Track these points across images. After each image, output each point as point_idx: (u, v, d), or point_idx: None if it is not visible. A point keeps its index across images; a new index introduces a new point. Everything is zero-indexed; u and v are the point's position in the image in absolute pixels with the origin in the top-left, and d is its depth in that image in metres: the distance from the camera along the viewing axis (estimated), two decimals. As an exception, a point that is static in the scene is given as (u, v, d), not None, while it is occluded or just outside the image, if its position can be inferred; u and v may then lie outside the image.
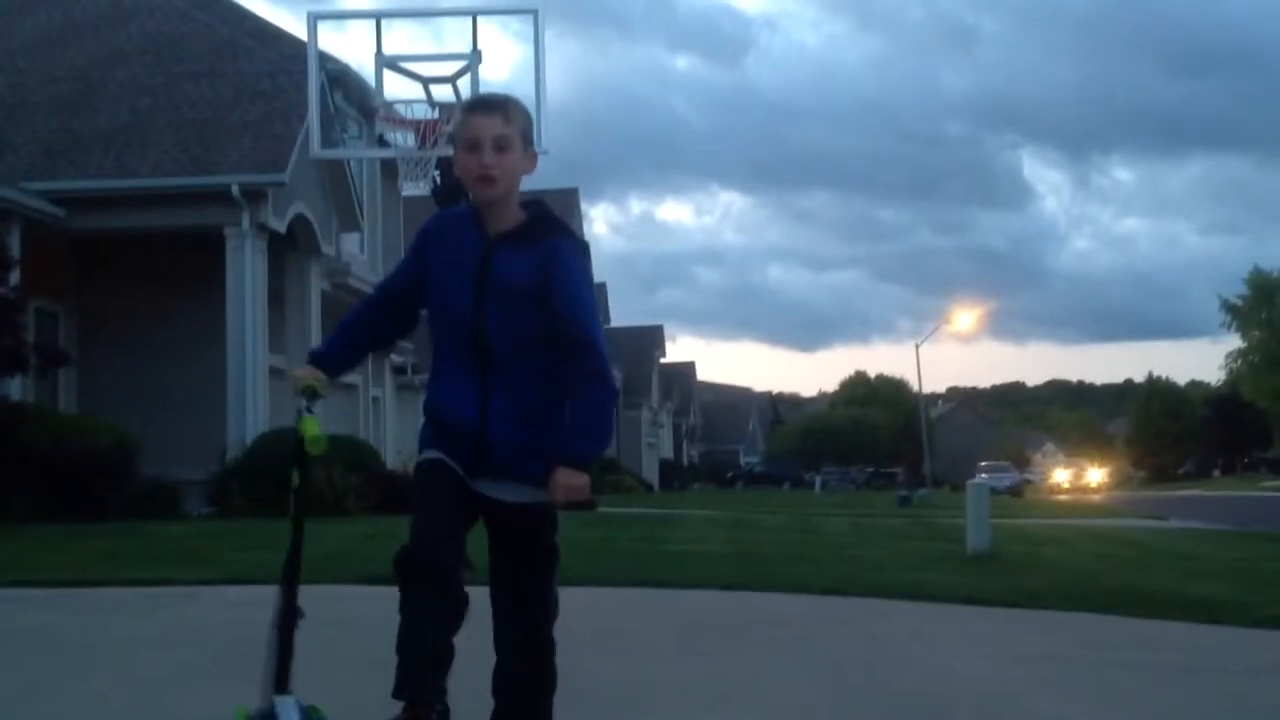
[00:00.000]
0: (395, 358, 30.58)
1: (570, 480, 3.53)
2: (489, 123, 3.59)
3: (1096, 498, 52.64)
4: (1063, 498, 52.29)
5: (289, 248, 19.97)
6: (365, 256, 24.74)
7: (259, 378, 18.43)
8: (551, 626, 3.71)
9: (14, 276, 15.47)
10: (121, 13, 22.16)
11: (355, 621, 7.26)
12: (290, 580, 3.68)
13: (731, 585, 9.48)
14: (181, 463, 17.55)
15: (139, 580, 9.04)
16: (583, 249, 3.68)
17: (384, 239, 26.10)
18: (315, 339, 20.63)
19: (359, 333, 3.92)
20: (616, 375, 57.87)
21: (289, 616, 3.64)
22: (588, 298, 3.63)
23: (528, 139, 3.66)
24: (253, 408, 18.20)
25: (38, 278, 16.83)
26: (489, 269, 3.58)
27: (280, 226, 18.89)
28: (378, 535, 13.54)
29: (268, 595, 8.57)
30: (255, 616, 7.68)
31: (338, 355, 3.88)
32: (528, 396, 3.60)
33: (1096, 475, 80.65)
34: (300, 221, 19.74)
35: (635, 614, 8.14)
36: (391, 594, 3.48)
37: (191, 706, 4.78)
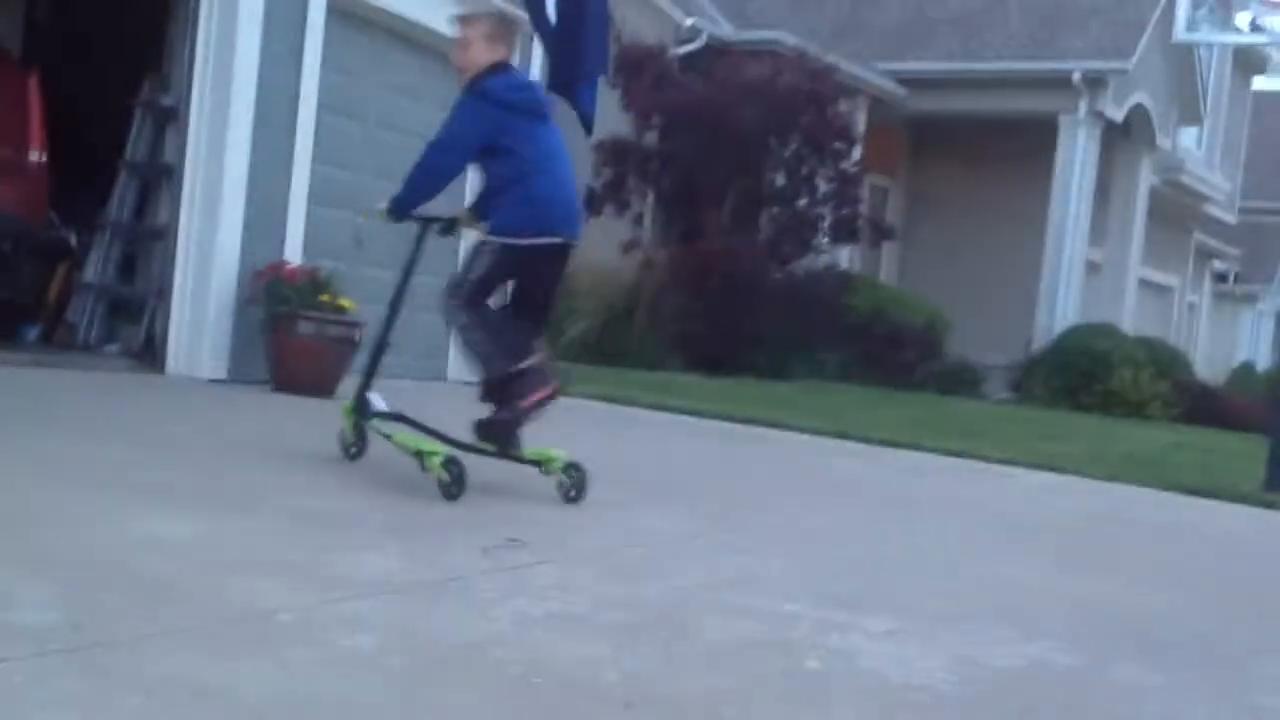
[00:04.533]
0: (1217, 264, 28.64)
1: None
2: None
3: None
4: None
5: (1121, 139, 19.25)
6: (1201, 153, 23.22)
7: (1075, 269, 18.15)
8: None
9: (856, 152, 16.43)
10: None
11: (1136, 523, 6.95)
12: (393, 311, 5.20)
13: None
14: (986, 346, 17.83)
15: (948, 450, 9.35)
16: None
17: (1225, 136, 24.29)
18: (1138, 235, 19.87)
19: None
20: None
21: (382, 344, 5.21)
22: None
23: None
24: (1064, 299, 18.00)
25: (874, 154, 17.74)
26: None
27: (1117, 116, 18.25)
28: (1183, 445, 12.89)
29: (1068, 484, 8.49)
30: (1055, 503, 7.66)
31: None
32: None
33: None
34: (1138, 112, 18.92)
35: None
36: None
37: (1005, 571, 4.83)
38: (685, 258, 14.97)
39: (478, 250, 5.08)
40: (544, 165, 5.06)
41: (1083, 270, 18.52)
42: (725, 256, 14.70)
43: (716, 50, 16.22)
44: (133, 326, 8.15)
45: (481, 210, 5.21)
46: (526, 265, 5.09)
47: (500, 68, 5.11)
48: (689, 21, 16.28)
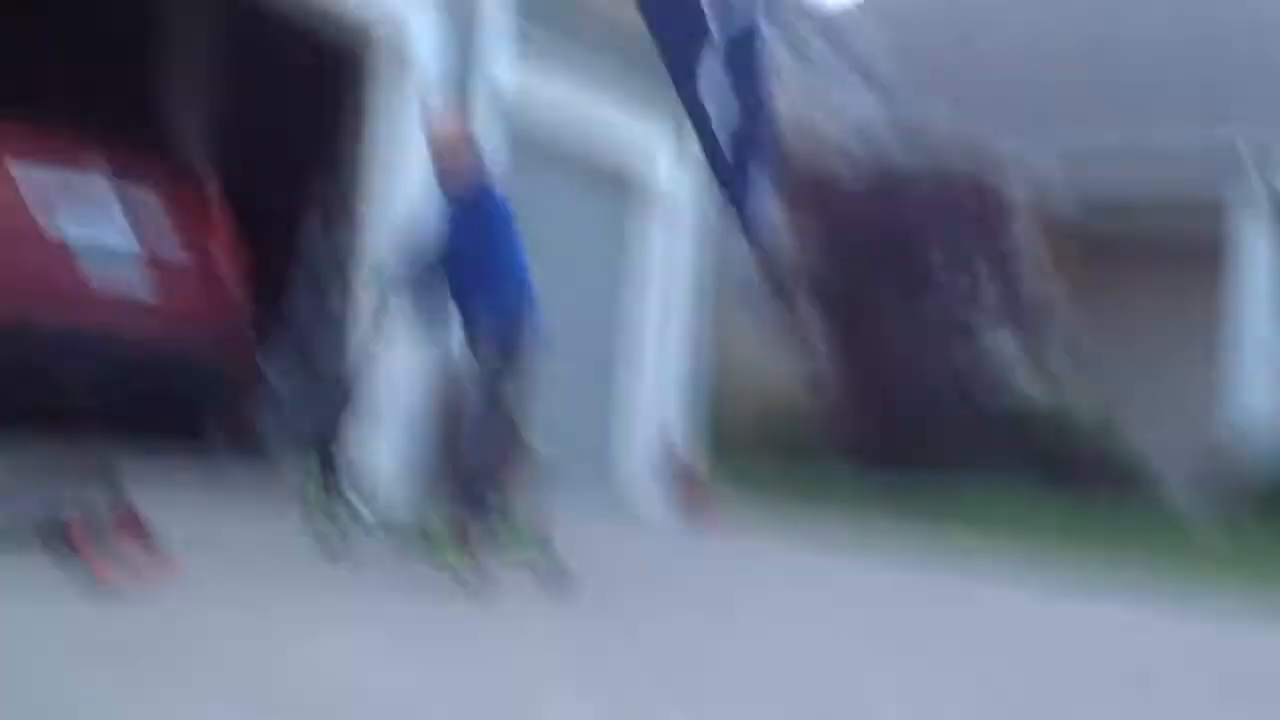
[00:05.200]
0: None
1: None
2: None
3: None
4: None
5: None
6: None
7: (1261, 362, 17.05)
8: None
9: (1017, 234, 15.84)
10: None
11: None
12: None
13: None
14: (1160, 442, 16.82)
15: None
16: None
17: None
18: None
19: None
20: None
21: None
22: None
23: None
24: (1250, 395, 16.86)
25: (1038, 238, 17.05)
26: None
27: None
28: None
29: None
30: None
31: None
32: None
33: None
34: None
35: None
36: None
37: None
38: (857, 376, 14.57)
39: (486, 351, 5.40)
40: (520, 266, 5.56)
41: (1274, 363, 17.40)
42: (896, 370, 14.30)
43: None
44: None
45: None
46: (518, 357, 5.48)
47: (484, 176, 5.49)
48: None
